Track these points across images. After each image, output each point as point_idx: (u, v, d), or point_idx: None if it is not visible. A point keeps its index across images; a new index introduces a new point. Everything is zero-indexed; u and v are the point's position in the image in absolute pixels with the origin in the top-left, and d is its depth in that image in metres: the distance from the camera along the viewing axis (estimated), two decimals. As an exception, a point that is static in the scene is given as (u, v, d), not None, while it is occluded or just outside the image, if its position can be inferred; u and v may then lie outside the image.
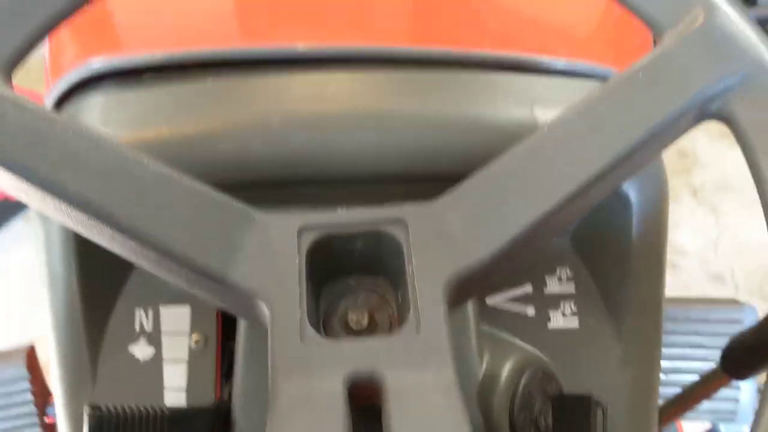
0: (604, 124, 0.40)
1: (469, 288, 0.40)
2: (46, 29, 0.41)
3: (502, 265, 0.40)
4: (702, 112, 0.40)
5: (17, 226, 2.10)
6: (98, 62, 0.57)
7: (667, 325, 1.05)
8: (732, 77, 0.39)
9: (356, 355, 0.36)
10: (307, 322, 0.36)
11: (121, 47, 0.61)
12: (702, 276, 1.92)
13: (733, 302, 1.05)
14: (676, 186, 2.10)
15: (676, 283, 1.89)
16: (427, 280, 0.38)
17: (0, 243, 2.06)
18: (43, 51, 0.63)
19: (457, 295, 0.39)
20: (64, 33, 0.62)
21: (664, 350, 1.03)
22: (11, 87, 0.39)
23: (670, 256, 1.89)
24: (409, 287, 0.37)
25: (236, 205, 0.39)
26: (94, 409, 0.44)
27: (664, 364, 1.02)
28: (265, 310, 0.37)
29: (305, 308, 0.37)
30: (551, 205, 0.39)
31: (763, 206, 0.38)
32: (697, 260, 1.95)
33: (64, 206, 0.38)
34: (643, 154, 0.41)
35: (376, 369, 0.35)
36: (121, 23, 0.64)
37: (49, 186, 0.37)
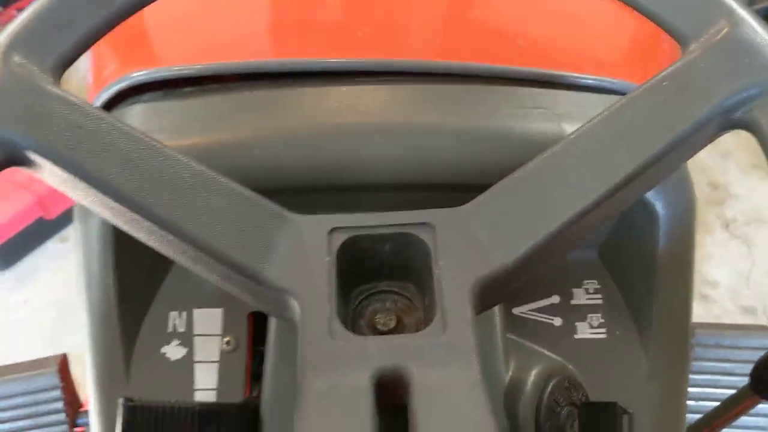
0: (628, 132, 0.40)
1: (495, 292, 0.40)
2: (97, 34, 0.43)
3: (528, 270, 0.41)
4: (725, 121, 0.41)
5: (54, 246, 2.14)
6: (140, 74, 0.59)
7: (697, 351, 1.04)
8: (755, 86, 0.40)
9: (383, 351, 0.37)
10: (337, 319, 0.37)
11: (160, 60, 0.63)
12: (734, 309, 1.89)
13: (764, 329, 1.04)
14: (708, 218, 2.08)
15: (707, 316, 1.86)
16: (453, 283, 0.38)
17: (35, 262, 2.10)
18: (84, 64, 0.65)
19: (483, 299, 0.39)
20: (106, 46, 0.64)
21: (694, 376, 1.02)
22: (60, 86, 0.41)
23: (702, 288, 1.87)
24: (436, 289, 0.38)
25: (270, 205, 0.40)
26: (128, 400, 0.45)
27: (693, 390, 1.01)
28: (295, 307, 0.38)
29: (335, 305, 0.38)
30: (575, 212, 0.39)
31: None
32: (729, 293, 1.92)
33: (107, 200, 0.39)
34: (668, 162, 0.41)
35: (402, 365, 0.36)
36: (161, 37, 0.67)
37: (94, 180, 0.39)
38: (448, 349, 0.37)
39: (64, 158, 0.39)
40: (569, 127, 0.54)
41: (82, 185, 0.40)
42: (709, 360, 1.02)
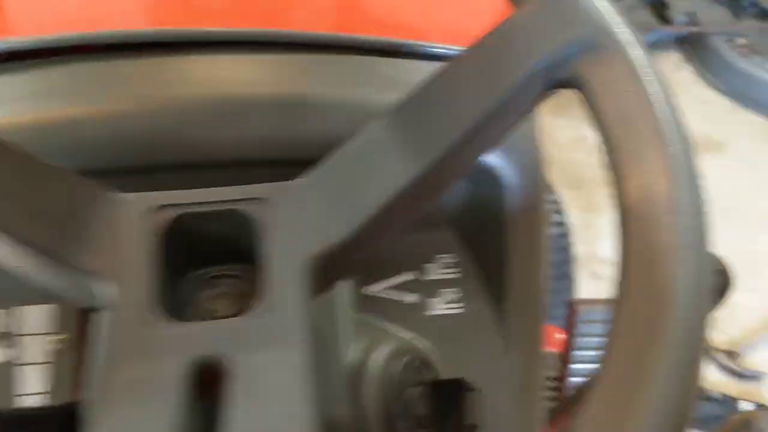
0: (452, 96, 0.39)
1: (333, 269, 0.39)
2: None
3: (368, 244, 0.39)
4: (550, 80, 0.39)
5: None
6: None
7: (581, 327, 1.05)
8: (576, 42, 0.38)
9: (202, 338, 0.34)
10: (155, 305, 0.35)
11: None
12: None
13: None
14: (598, 198, 2.13)
15: (599, 292, 1.91)
16: (284, 261, 0.36)
17: None
18: None
19: (321, 275, 0.37)
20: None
21: (578, 352, 1.03)
22: None
23: (594, 266, 1.91)
24: (266, 267, 0.36)
25: (87, 183, 0.37)
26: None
27: (577, 367, 1.03)
28: (110, 293, 0.35)
29: (154, 290, 0.35)
30: (407, 182, 0.38)
31: (610, 170, 0.38)
32: (621, 271, 1.97)
33: None
34: (495, 127, 0.40)
35: (222, 352, 0.34)
36: None
37: None
38: (272, 332, 0.34)
39: None
40: (397, 96, 0.53)
41: None
42: (593, 335, 1.04)
